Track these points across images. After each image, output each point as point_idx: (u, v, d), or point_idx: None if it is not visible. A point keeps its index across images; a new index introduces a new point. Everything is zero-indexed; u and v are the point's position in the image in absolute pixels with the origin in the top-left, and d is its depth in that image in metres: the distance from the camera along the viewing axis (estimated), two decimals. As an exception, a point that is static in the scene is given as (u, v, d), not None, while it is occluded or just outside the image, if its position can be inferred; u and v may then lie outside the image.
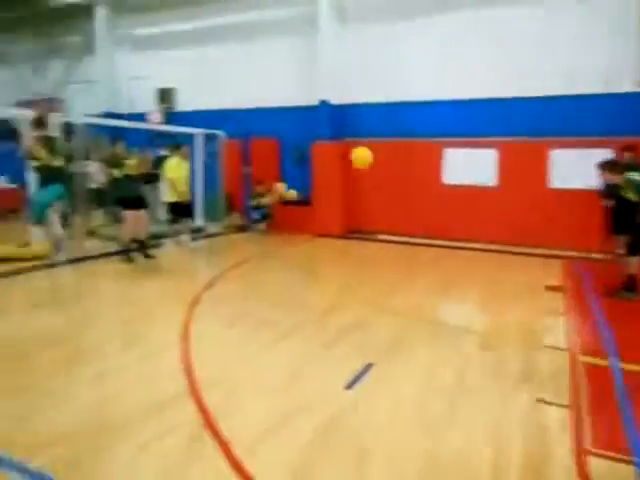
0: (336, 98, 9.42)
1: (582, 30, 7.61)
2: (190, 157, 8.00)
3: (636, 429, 2.60)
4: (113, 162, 6.64)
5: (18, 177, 9.09)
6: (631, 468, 2.29)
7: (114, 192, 6.82)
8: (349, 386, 3.04)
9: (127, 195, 6.50)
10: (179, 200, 7.24)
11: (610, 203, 7.09)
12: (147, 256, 6.55)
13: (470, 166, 8.50)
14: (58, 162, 6.00)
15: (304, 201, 9.53)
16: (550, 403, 2.88)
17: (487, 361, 3.54)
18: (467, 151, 8.52)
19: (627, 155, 6.96)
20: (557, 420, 2.70)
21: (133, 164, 6.61)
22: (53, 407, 2.74)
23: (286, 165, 10.06)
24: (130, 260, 6.47)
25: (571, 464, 2.30)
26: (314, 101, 9.42)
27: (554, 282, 5.78)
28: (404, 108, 9.02)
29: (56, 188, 5.99)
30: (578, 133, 7.70)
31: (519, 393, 3.01)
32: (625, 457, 2.37)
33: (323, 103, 9.32)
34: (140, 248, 6.56)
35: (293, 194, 9.22)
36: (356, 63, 9.35)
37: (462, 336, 4.06)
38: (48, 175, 5.94)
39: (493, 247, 7.96)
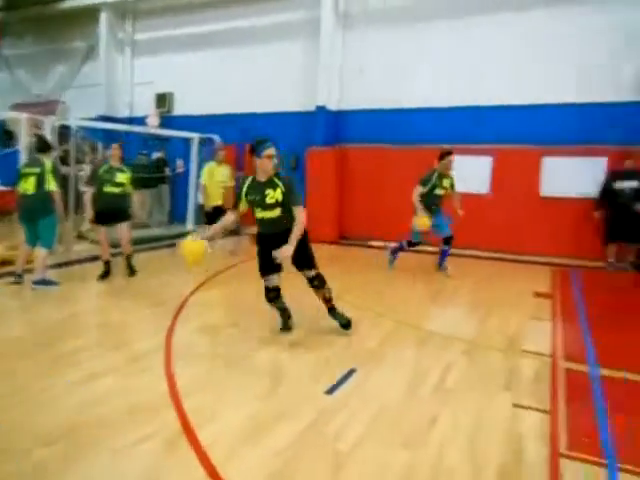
0: (334, 104, 9.50)
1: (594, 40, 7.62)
2: (225, 161, 7.87)
3: (609, 433, 2.63)
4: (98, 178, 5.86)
5: (10, 179, 9.07)
6: (603, 470, 2.32)
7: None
8: (329, 392, 3.06)
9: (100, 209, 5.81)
10: (211, 204, 7.44)
11: (598, 214, 7.31)
12: (131, 271, 6.02)
13: (465, 173, 8.53)
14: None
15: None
16: (529, 408, 2.92)
17: (471, 368, 3.57)
18: (463, 158, 8.56)
19: (627, 163, 7.18)
20: (535, 425, 2.73)
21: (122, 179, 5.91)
22: (41, 409, 2.76)
23: (280, 170, 10.08)
24: (102, 277, 5.81)
25: (545, 468, 2.33)
26: (312, 106, 9.49)
27: (544, 289, 5.82)
28: (401, 115, 9.10)
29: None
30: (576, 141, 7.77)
31: (500, 399, 3.04)
32: (598, 460, 2.40)
33: (320, 109, 9.39)
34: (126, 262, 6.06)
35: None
36: (356, 69, 9.42)
37: (449, 342, 4.09)
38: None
39: (487, 254, 8.00)
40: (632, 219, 6.96)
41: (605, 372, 3.44)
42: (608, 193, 7.24)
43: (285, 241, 3.67)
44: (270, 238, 3.89)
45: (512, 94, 8.24)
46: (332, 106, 9.48)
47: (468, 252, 8.00)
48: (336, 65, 9.47)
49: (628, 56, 7.40)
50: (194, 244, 3.84)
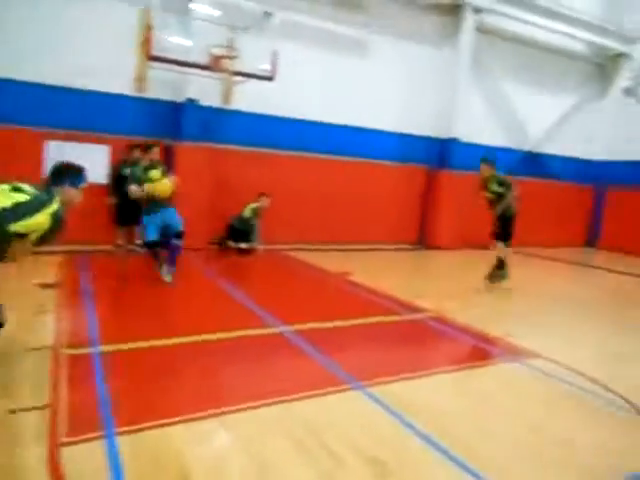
0: None
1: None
2: None
3: (108, 404, 2.82)
4: None
5: None
6: (105, 441, 2.45)
7: None
8: None
9: None
10: None
11: (113, 200, 7.66)
12: None
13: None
14: None
15: None
16: (27, 409, 2.72)
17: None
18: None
19: (134, 151, 7.83)
20: (34, 424, 2.57)
21: None
22: None
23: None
24: None
25: (45, 462, 2.24)
26: None
27: (47, 279, 5.54)
28: None
29: None
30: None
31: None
32: (100, 434, 2.51)
33: None
34: None
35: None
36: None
37: None
38: None
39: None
40: (138, 203, 7.72)
41: (108, 348, 3.66)
42: (118, 179, 7.66)
43: None
44: None
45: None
46: None
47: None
48: None
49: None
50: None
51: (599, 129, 14.42)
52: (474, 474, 2.42)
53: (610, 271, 9.75)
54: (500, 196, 6.74)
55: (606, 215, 14.12)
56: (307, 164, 9.93)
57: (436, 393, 3.39)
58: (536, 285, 7.84)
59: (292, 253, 8.92)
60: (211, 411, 2.88)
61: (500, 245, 6.86)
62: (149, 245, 6.00)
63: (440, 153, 11.39)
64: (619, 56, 13.82)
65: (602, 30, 12.99)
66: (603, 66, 14.17)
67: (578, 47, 13.39)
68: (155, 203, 5.88)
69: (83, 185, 3.26)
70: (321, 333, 4.55)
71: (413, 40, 10.98)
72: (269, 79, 7.92)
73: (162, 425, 2.67)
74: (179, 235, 5.98)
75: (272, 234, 8.99)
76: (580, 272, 9.79)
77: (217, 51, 7.53)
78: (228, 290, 6.01)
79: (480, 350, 4.38)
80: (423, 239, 11.59)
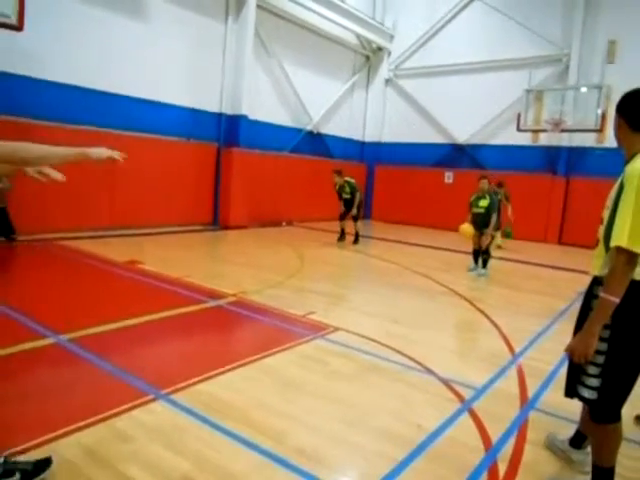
0: None
1: None
2: None
3: None
4: None
5: None
6: None
7: None
8: None
9: None
10: None
11: None
12: None
13: None
14: None
15: None
16: None
17: None
18: None
19: None
20: None
21: None
22: None
23: None
24: None
25: None
26: None
27: None
28: None
29: None
30: None
31: None
32: None
33: None
34: None
35: None
36: None
37: None
38: None
39: None
40: None
41: None
42: None
43: None
44: None
45: None
46: None
47: None
48: None
49: None
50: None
51: (368, 114, 16.19)
52: (302, 472, 2.30)
53: (385, 240, 11.13)
54: (353, 196, 9.97)
55: (375, 190, 16.07)
56: (83, 138, 8.52)
57: (245, 386, 3.20)
58: (328, 261, 8.37)
59: (68, 242, 7.63)
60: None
61: (356, 224, 10.26)
62: None
63: (229, 130, 11.17)
64: (381, 50, 15.63)
65: (368, 25, 14.44)
66: (369, 58, 15.83)
67: (350, 38, 14.63)
68: None
69: None
70: (108, 337, 3.91)
71: (197, 11, 10.37)
72: (16, 28, 6.49)
73: None
74: None
75: (40, 220, 7.54)
76: (363, 243, 10.82)
77: None
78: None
79: (284, 331, 4.37)
80: (217, 219, 11.31)
